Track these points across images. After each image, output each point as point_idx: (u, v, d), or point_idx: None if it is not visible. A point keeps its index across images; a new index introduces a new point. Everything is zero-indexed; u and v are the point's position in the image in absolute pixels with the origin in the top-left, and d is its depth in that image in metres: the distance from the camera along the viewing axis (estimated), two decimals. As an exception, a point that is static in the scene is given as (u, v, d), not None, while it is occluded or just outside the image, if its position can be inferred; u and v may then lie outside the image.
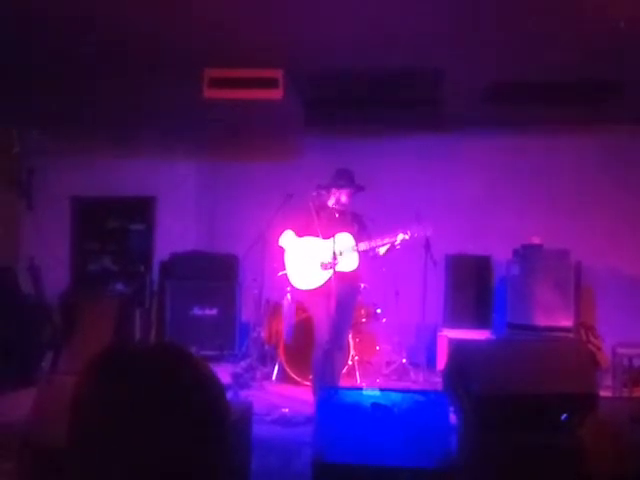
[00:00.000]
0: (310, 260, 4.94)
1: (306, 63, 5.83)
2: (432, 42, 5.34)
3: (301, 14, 4.89)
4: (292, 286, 5.14)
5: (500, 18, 4.86)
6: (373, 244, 4.82)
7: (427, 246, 6.34)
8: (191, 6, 4.81)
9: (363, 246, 4.84)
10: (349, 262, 4.86)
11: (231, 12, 4.88)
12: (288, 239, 5.07)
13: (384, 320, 6.74)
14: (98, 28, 5.18)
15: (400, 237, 4.76)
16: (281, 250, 5.11)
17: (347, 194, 5.03)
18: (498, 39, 5.23)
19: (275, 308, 6.84)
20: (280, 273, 5.31)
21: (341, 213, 5.06)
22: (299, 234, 5.05)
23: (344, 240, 4.86)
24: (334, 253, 4.77)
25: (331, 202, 5.05)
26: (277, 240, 5.12)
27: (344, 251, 4.85)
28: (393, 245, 4.79)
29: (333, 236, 4.81)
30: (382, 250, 4.86)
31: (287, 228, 5.11)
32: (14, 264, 7.31)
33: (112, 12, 4.90)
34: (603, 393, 4.86)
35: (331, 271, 4.78)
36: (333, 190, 5.05)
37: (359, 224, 5.02)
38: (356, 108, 7.11)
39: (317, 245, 4.93)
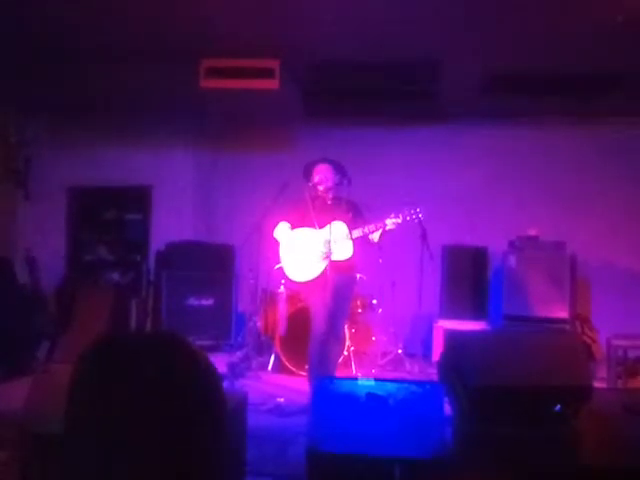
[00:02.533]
0: (305, 251, 4.94)
1: (304, 54, 5.82)
2: (431, 33, 5.34)
3: (299, 5, 4.88)
4: (287, 278, 5.14)
5: (499, 10, 4.85)
6: (366, 230, 4.81)
7: (424, 237, 6.35)
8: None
9: (356, 233, 4.83)
10: (343, 250, 4.86)
11: (229, 1, 4.86)
12: (282, 231, 5.07)
13: (380, 311, 6.75)
14: (97, 18, 5.17)
15: (392, 220, 4.75)
16: (277, 242, 5.11)
17: (324, 170, 5.03)
18: (497, 31, 5.22)
19: (271, 298, 6.84)
20: (277, 266, 5.32)
21: (335, 201, 5.05)
22: (295, 225, 5.05)
23: (338, 228, 4.86)
24: (329, 242, 4.77)
25: (320, 188, 5.04)
26: (273, 231, 5.12)
27: (338, 239, 4.84)
28: (385, 229, 4.78)
29: (327, 225, 4.81)
30: (376, 236, 4.85)
31: (283, 218, 5.11)
32: (11, 254, 7.30)
33: (111, 2, 4.90)
34: (598, 385, 4.89)
35: (326, 261, 4.78)
36: (313, 172, 5.06)
37: (354, 211, 5.01)
38: (354, 99, 7.10)
39: (312, 235, 4.93)
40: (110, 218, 8.42)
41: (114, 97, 7.09)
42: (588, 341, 6.61)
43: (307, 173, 5.13)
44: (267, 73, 5.80)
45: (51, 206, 8.18)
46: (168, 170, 8.09)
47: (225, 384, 5.32)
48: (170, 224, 7.99)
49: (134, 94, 6.93)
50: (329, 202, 5.06)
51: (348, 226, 4.87)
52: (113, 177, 8.00)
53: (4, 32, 5.42)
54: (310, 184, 5.06)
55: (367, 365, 6.50)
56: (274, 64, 5.81)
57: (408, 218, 4.76)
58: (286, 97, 6.35)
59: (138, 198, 8.31)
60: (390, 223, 4.76)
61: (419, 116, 7.48)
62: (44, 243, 7.66)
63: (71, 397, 1.78)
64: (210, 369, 1.94)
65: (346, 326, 5.80)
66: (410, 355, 6.83)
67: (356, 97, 7.00)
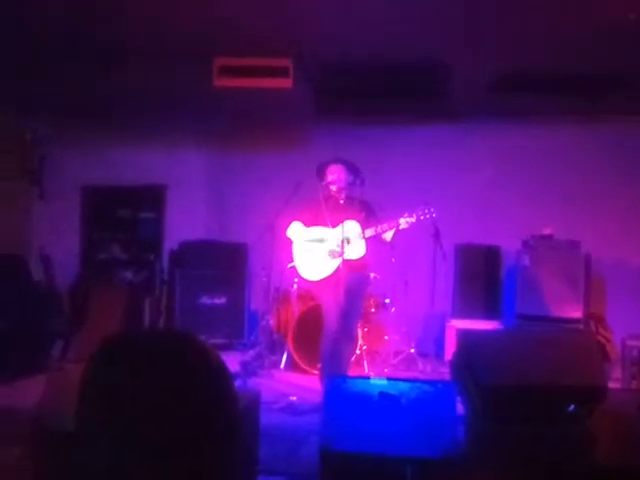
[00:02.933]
0: (318, 250, 4.95)
1: (317, 53, 5.82)
2: (440, 34, 5.34)
3: (312, 4, 4.88)
4: (300, 277, 5.14)
5: (506, 10, 4.85)
6: (379, 229, 4.80)
7: (436, 236, 6.33)
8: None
9: (369, 232, 4.82)
10: (356, 249, 4.86)
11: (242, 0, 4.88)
12: (295, 230, 5.07)
13: (393, 310, 6.74)
14: (109, 17, 5.19)
15: (406, 219, 4.73)
16: (289, 241, 5.11)
17: (338, 170, 5.02)
18: (504, 31, 5.22)
19: (284, 297, 6.85)
20: (290, 265, 5.32)
21: (348, 200, 5.05)
22: (308, 224, 5.05)
23: (351, 227, 4.86)
24: (342, 241, 4.76)
25: (333, 187, 5.04)
26: (286, 230, 5.12)
27: (351, 238, 4.84)
28: (399, 229, 4.77)
29: (340, 224, 4.81)
30: (389, 235, 4.85)
31: (296, 217, 5.11)
32: (26, 252, 7.35)
33: (122, 1, 4.92)
34: (612, 385, 4.86)
35: (339, 260, 4.78)
36: (327, 172, 5.06)
37: (367, 210, 5.00)
38: (366, 98, 7.09)
39: (325, 234, 4.93)
40: (124, 217, 8.46)
41: (127, 96, 7.12)
42: (602, 341, 6.57)
43: (320, 173, 5.13)
44: (281, 72, 5.80)
45: (65, 205, 8.24)
46: (181, 169, 8.13)
47: (238, 383, 5.33)
48: (183, 223, 8.03)
49: (147, 93, 6.94)
50: (342, 201, 5.06)
51: (361, 225, 4.86)
52: (127, 176, 8.03)
53: (10, 32, 5.45)
54: (323, 183, 5.06)
55: (380, 364, 6.49)
56: (288, 63, 5.81)
57: (422, 217, 4.75)
58: (298, 96, 6.35)
59: (151, 197, 8.35)
60: (404, 222, 4.75)
61: (431, 115, 7.46)
62: (58, 242, 7.71)
63: (82, 395, 1.78)
64: (221, 367, 1.94)
65: (359, 325, 5.80)
66: (423, 354, 6.82)
67: (368, 96, 6.99)
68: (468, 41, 5.47)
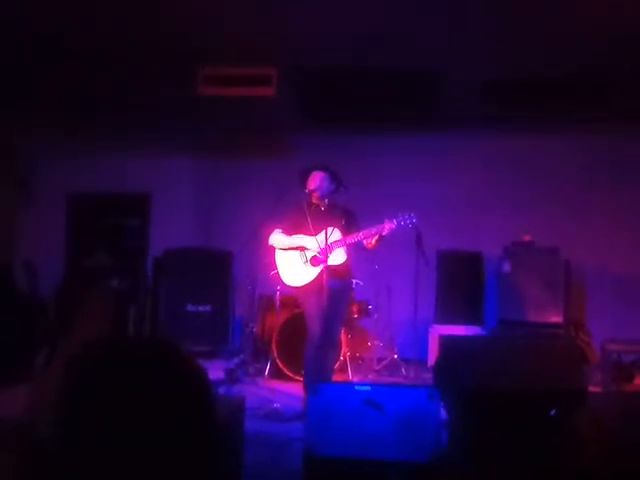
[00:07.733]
0: (300, 257, 4.97)
1: (302, 61, 5.87)
2: (430, 41, 5.39)
3: (298, 13, 4.92)
4: (283, 284, 5.15)
5: (498, 18, 4.91)
6: (360, 236, 4.82)
7: (419, 242, 6.38)
8: (192, 5, 4.85)
9: (349, 239, 4.83)
10: (337, 256, 4.88)
11: (228, 9, 4.91)
12: (276, 238, 5.08)
13: (376, 316, 6.78)
14: (95, 27, 5.22)
15: (386, 226, 4.73)
16: (272, 248, 5.13)
17: (319, 177, 5.03)
18: (495, 39, 5.28)
19: (268, 304, 6.87)
20: (273, 272, 5.33)
21: (330, 208, 5.07)
22: (290, 231, 5.06)
23: (332, 234, 4.87)
24: (324, 248, 4.78)
25: (315, 194, 5.04)
26: (269, 238, 5.13)
27: (332, 245, 4.86)
28: (381, 235, 4.79)
29: (321, 231, 4.83)
30: (371, 242, 4.86)
31: (280, 224, 5.12)
32: (10, 260, 7.31)
33: (108, 11, 4.94)
34: (592, 388, 4.91)
35: (321, 266, 4.81)
36: (309, 179, 5.06)
37: (347, 218, 5.02)
38: (352, 106, 7.13)
39: (306, 241, 4.95)
40: (109, 224, 8.45)
41: (114, 104, 7.12)
42: (582, 345, 6.64)
43: (302, 180, 5.14)
44: (264, 80, 5.86)
45: (50, 212, 8.20)
46: (166, 177, 8.12)
47: (222, 390, 5.34)
48: (168, 231, 8.01)
49: (133, 101, 6.95)
50: (323, 208, 5.07)
51: (341, 233, 4.89)
52: (112, 183, 8.02)
53: (6, 43, 5.46)
54: (306, 191, 5.08)
55: (363, 370, 6.52)
56: (271, 71, 5.86)
57: (402, 223, 4.77)
58: (284, 104, 6.39)
59: (137, 204, 8.35)
60: (384, 229, 4.76)
61: (416, 123, 7.51)
62: (43, 249, 7.68)
63: (62, 402, 1.79)
64: (201, 376, 1.95)
65: (342, 331, 5.82)
66: (406, 360, 6.86)
67: (354, 104, 7.03)
68: (461, 50, 5.54)
